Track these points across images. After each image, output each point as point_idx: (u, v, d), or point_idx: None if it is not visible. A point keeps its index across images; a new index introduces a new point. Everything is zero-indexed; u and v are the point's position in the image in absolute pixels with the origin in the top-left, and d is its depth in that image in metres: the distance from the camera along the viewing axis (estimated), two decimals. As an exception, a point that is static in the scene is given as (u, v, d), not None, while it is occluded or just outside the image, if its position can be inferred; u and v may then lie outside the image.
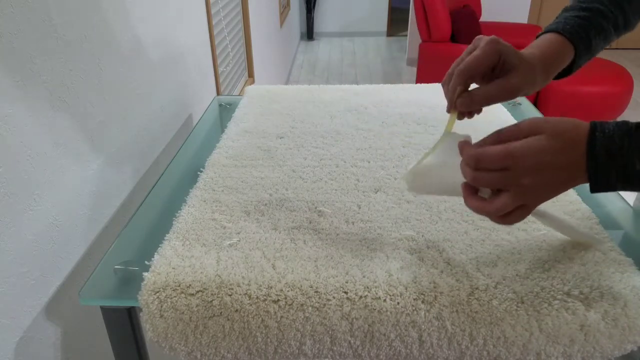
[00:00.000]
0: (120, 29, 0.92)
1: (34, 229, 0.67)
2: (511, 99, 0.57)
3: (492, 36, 0.56)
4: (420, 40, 3.63)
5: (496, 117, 1.03)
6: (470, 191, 0.52)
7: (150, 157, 1.07)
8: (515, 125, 0.50)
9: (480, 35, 0.57)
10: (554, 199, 0.74)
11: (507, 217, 0.50)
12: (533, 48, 0.60)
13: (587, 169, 0.46)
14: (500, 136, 0.50)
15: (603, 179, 0.46)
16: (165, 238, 0.68)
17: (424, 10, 3.40)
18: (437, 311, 0.56)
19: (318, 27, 6.37)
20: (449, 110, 0.59)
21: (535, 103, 3.08)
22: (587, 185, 0.47)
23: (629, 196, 0.72)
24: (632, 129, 0.45)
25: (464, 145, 0.51)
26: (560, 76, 0.64)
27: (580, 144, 0.46)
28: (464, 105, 0.56)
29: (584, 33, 0.61)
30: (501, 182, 0.48)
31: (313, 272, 0.60)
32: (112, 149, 0.89)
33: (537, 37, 0.63)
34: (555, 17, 0.66)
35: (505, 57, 0.55)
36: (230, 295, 0.58)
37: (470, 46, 0.57)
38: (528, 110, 1.12)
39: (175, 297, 0.58)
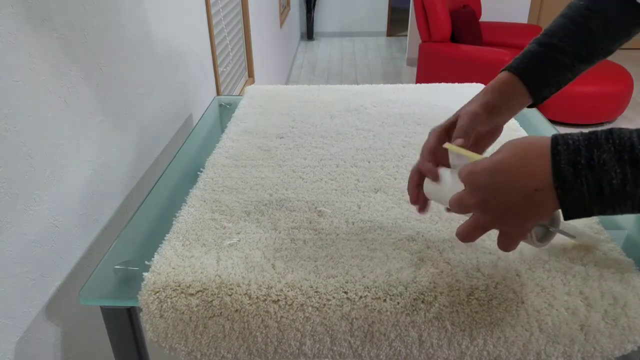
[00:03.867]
0: (120, 29, 0.92)
1: (34, 229, 0.67)
2: (472, 128, 0.59)
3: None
4: (420, 40, 3.63)
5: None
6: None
7: (150, 157, 1.07)
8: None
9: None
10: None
11: (501, 241, 0.51)
12: (482, 91, 0.63)
13: (555, 189, 0.41)
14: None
15: (575, 200, 0.41)
16: (165, 238, 0.68)
17: (424, 10, 3.40)
18: (437, 311, 0.56)
19: (318, 27, 6.37)
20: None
21: (535, 103, 3.09)
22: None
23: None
24: (601, 137, 0.40)
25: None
26: (531, 106, 0.66)
27: (538, 161, 0.42)
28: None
29: (534, 68, 0.62)
30: (464, 200, 0.49)
31: (313, 272, 0.60)
32: (112, 149, 0.89)
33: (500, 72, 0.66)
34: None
35: (450, 124, 0.62)
36: (230, 295, 0.58)
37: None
38: (531, 114, 1.12)
39: (175, 297, 0.58)
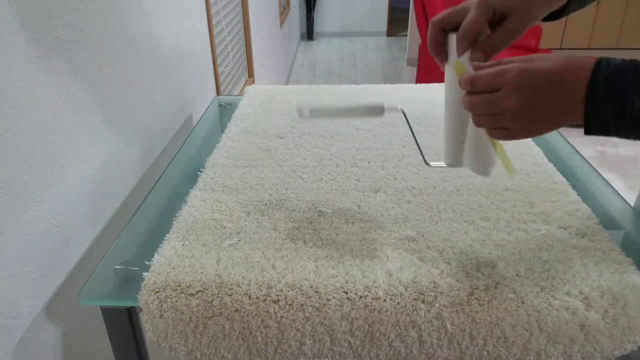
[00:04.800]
0: (120, 29, 0.92)
1: (34, 229, 0.67)
2: (516, 39, 0.57)
3: None
4: (420, 40, 3.63)
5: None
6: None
7: (150, 157, 1.07)
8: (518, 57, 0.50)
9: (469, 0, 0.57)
10: (555, 198, 0.74)
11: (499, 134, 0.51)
12: None
13: (584, 103, 0.44)
14: (500, 63, 0.51)
15: (599, 117, 0.44)
16: (165, 238, 0.68)
17: (424, 10, 3.40)
18: (437, 311, 0.56)
19: (318, 27, 6.37)
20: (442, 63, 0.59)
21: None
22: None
23: (630, 196, 0.72)
24: (638, 65, 0.43)
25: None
26: (548, 19, 0.62)
27: (578, 76, 0.45)
28: (480, 59, 0.56)
29: None
30: (493, 103, 0.49)
31: (313, 272, 0.60)
32: (112, 149, 0.89)
33: None
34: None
35: (500, 9, 0.56)
36: (230, 295, 0.58)
37: (455, 8, 0.57)
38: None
39: (175, 297, 0.58)
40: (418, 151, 0.91)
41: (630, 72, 0.43)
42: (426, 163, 0.64)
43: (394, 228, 0.68)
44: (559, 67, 0.46)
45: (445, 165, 0.61)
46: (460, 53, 0.55)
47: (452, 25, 0.57)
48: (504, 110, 0.48)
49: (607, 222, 0.69)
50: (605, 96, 0.43)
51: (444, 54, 0.58)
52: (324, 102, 0.58)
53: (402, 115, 0.60)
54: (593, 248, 0.63)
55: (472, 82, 0.51)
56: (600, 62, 0.44)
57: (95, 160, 0.83)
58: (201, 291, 0.58)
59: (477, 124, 0.52)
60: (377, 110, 0.59)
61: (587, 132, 0.46)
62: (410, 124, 0.63)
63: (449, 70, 0.58)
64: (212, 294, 0.58)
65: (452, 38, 0.56)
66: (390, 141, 0.95)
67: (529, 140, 0.93)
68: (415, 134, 0.62)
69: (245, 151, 0.93)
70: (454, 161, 0.60)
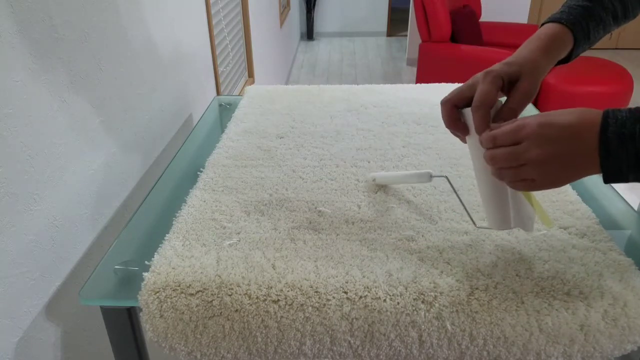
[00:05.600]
0: (120, 29, 0.92)
1: (34, 229, 0.67)
2: (532, 99, 0.58)
3: (485, 70, 0.58)
4: (420, 40, 3.63)
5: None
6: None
7: (150, 157, 1.07)
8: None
9: (475, 75, 0.59)
10: (555, 198, 0.74)
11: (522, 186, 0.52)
12: (534, 41, 0.62)
13: (599, 156, 0.46)
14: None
15: (615, 167, 0.45)
16: (165, 238, 0.68)
17: (424, 10, 3.40)
18: (437, 311, 0.56)
19: (318, 27, 6.37)
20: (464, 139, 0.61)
21: (536, 103, 3.08)
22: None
23: (629, 196, 0.72)
24: None
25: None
26: (557, 64, 0.65)
27: (591, 130, 0.46)
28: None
29: (584, 23, 0.62)
30: (514, 155, 0.50)
31: (313, 272, 0.60)
32: (112, 149, 0.89)
33: (541, 25, 0.65)
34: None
35: (508, 76, 0.58)
36: (230, 295, 0.58)
37: (464, 85, 0.59)
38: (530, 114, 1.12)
39: (175, 297, 0.58)
40: (419, 151, 0.91)
41: (637, 122, 0.44)
42: (475, 225, 0.68)
43: (394, 228, 0.68)
44: (575, 120, 0.47)
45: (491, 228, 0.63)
46: (477, 124, 0.56)
47: (464, 102, 0.59)
48: (526, 161, 0.49)
49: (607, 222, 0.69)
50: (619, 149, 0.45)
51: (462, 128, 0.60)
52: (386, 173, 0.79)
53: (447, 180, 0.71)
54: (593, 248, 0.63)
55: (493, 140, 0.52)
56: (607, 115, 0.46)
57: (95, 160, 0.83)
58: (201, 291, 0.58)
59: (499, 177, 0.53)
60: (425, 177, 0.70)
61: (606, 181, 0.47)
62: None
63: (471, 142, 0.59)
64: (212, 294, 0.58)
65: (468, 112, 0.57)
66: (390, 141, 0.95)
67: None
68: (460, 196, 0.68)
69: (245, 151, 0.93)
70: (500, 226, 0.61)
